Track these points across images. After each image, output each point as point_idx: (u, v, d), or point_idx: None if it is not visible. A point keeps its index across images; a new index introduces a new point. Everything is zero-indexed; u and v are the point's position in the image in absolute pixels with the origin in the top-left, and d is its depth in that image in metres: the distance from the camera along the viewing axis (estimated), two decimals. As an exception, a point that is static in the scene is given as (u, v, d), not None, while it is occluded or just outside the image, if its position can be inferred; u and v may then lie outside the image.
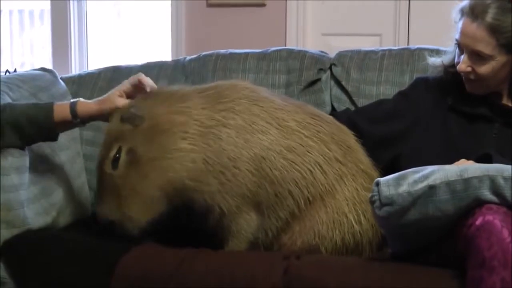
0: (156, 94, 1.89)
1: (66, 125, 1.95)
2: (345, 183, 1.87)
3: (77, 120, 1.92)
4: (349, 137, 1.96)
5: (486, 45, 1.87)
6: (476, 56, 1.90)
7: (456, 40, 1.94)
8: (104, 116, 1.91)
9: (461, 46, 1.93)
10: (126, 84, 1.93)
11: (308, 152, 1.85)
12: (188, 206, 1.83)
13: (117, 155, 1.80)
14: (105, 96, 1.94)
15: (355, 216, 1.85)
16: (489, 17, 1.85)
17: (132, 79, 1.93)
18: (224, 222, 1.83)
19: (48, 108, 1.91)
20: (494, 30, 1.85)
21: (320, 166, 1.85)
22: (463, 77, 1.98)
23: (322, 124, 1.91)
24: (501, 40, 1.86)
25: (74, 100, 1.95)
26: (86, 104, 1.93)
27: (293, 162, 1.83)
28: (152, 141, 1.79)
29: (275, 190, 1.82)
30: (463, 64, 1.92)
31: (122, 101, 1.90)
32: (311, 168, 1.84)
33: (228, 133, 1.81)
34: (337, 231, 1.83)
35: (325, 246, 1.83)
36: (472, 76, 1.94)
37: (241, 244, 1.85)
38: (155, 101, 1.86)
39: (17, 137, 1.89)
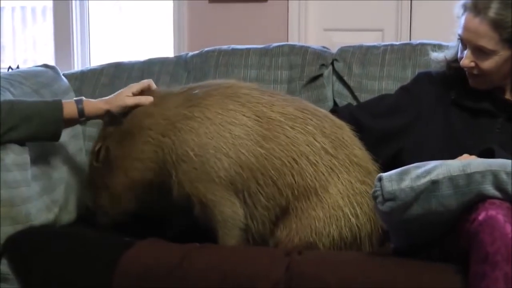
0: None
1: (70, 123, 1.97)
2: (338, 176, 1.86)
3: (82, 118, 1.94)
4: (344, 131, 1.94)
5: (489, 40, 1.86)
6: (479, 51, 1.89)
7: (459, 35, 1.93)
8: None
9: (464, 41, 1.92)
10: (136, 87, 1.98)
11: (293, 142, 1.85)
12: (170, 200, 1.89)
13: (99, 150, 1.97)
14: (113, 96, 1.98)
15: (351, 209, 1.84)
16: (492, 12, 1.84)
17: (143, 84, 2.00)
18: (209, 213, 1.85)
19: (58, 106, 1.92)
20: (497, 25, 1.84)
21: (307, 157, 1.84)
22: (466, 72, 1.97)
23: (312, 118, 1.91)
24: (504, 35, 1.85)
25: (78, 98, 1.96)
26: (93, 104, 1.96)
27: (273, 150, 1.83)
28: (122, 143, 1.93)
29: (255, 177, 1.83)
30: (466, 59, 1.92)
31: (132, 100, 1.94)
32: (296, 158, 1.84)
33: (191, 125, 1.86)
34: (333, 226, 1.83)
35: (322, 242, 1.83)
36: (475, 71, 1.93)
37: (232, 232, 1.85)
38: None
39: (22, 134, 1.89)
